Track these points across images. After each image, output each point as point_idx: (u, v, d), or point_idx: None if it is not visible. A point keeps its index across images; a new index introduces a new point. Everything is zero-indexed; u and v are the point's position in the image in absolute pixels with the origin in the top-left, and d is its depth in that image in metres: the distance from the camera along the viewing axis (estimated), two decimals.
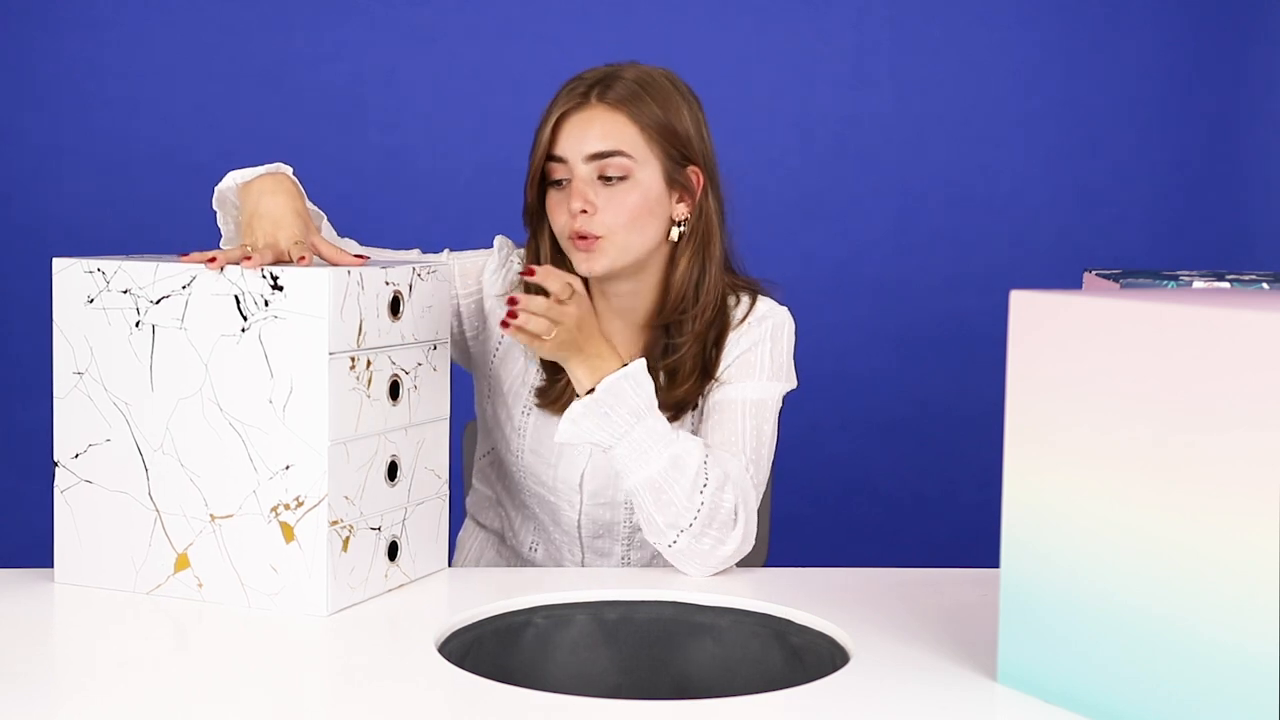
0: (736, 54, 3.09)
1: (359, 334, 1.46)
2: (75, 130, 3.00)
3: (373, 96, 3.04)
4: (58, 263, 1.52)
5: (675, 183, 1.71)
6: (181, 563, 1.49)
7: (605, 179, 1.68)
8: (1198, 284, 1.66)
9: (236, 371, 1.44)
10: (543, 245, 1.76)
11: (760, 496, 1.70)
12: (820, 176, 3.11)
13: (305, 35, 3.02)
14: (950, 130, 3.11)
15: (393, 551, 1.54)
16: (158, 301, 1.47)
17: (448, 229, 2.90)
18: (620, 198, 1.68)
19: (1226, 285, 1.64)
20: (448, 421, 1.63)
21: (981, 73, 3.11)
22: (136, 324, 1.49)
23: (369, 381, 1.48)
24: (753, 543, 1.65)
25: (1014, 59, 3.11)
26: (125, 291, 1.49)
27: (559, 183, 1.70)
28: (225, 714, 1.17)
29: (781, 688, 1.27)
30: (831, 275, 3.07)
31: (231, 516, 1.46)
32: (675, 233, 1.73)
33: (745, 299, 1.77)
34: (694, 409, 1.75)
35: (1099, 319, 1.15)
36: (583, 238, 1.68)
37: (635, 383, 1.61)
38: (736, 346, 1.74)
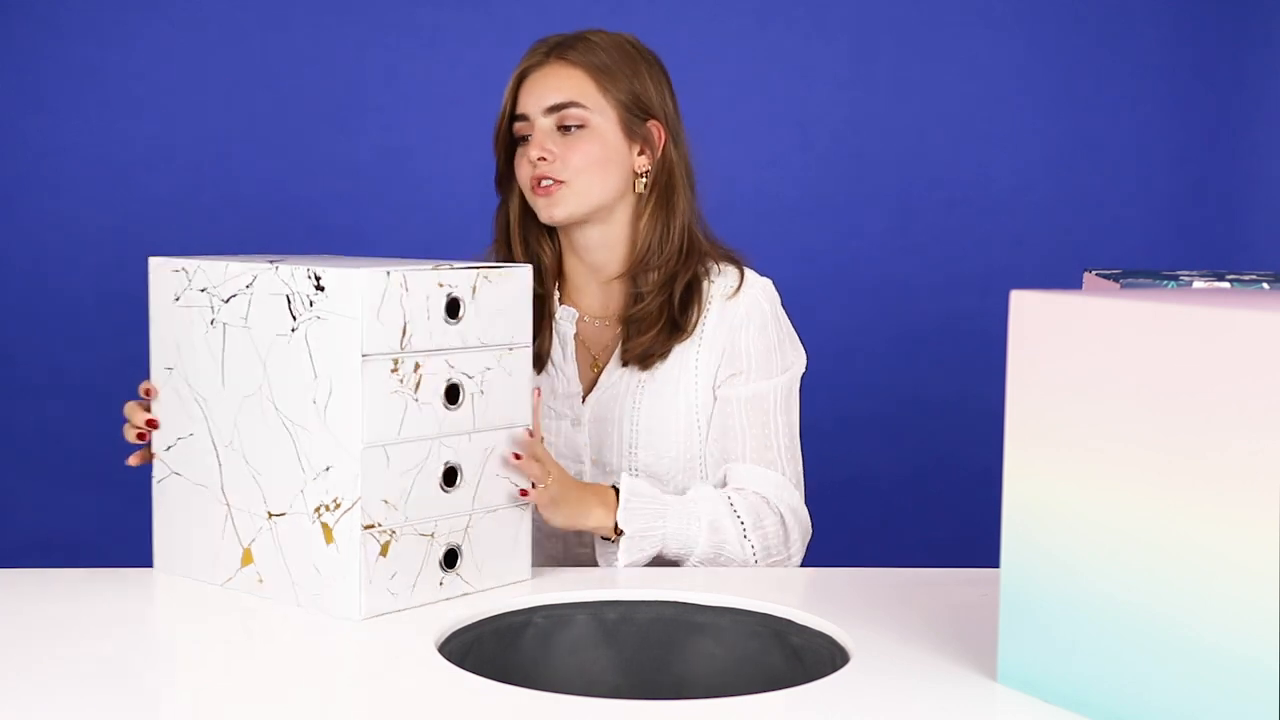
0: (737, 54, 3.09)
1: (403, 336, 1.43)
2: (75, 130, 3.00)
3: (372, 97, 3.04)
4: (153, 261, 1.57)
5: (635, 134, 1.80)
6: (246, 557, 1.50)
7: (564, 129, 1.77)
8: (1198, 284, 1.66)
9: (287, 371, 1.45)
10: (512, 208, 1.86)
11: (799, 476, 1.81)
12: (820, 176, 3.11)
13: (305, 35, 3.02)
14: (950, 130, 3.11)
15: (451, 559, 1.50)
16: (227, 300, 1.49)
17: (447, 229, 2.90)
18: (577, 145, 1.77)
19: (1226, 285, 1.64)
20: (525, 429, 1.56)
21: (981, 73, 3.11)
22: (211, 321, 1.51)
23: (416, 385, 1.45)
24: (805, 516, 1.79)
25: (1014, 59, 3.11)
26: (203, 290, 1.52)
27: (524, 139, 1.80)
28: (223, 714, 1.17)
29: (781, 688, 1.27)
30: (831, 275, 3.07)
31: (285, 515, 1.46)
32: (640, 184, 1.81)
33: (731, 269, 1.83)
34: (665, 357, 1.79)
35: (1099, 319, 1.14)
36: (544, 185, 1.76)
37: (635, 491, 1.67)
38: (733, 316, 1.79)
